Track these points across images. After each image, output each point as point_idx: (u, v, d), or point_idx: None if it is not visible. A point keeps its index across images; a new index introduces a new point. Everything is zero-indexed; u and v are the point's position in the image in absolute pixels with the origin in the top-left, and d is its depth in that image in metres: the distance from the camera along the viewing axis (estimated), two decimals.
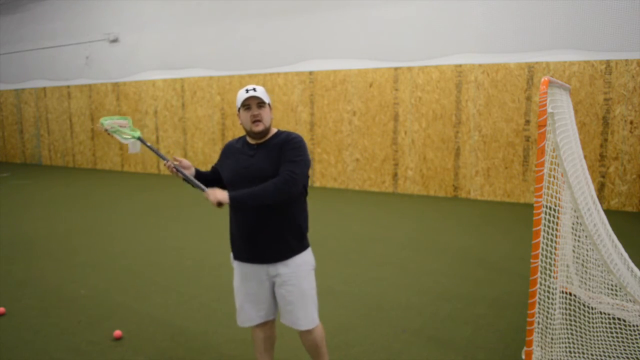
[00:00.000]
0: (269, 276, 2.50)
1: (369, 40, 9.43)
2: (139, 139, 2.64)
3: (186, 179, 2.50)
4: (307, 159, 2.45)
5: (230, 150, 2.60)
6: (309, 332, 2.56)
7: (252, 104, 2.42)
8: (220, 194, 2.31)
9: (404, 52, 9.10)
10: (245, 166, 2.45)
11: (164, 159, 2.54)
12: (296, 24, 10.20)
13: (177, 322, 3.80)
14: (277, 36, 10.45)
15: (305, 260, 2.52)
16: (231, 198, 2.30)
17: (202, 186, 2.45)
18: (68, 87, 14.09)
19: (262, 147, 2.47)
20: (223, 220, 7.80)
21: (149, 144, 2.62)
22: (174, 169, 2.50)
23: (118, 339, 3.50)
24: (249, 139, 2.54)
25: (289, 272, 2.46)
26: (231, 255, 2.63)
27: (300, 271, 2.49)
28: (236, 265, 2.59)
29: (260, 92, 2.44)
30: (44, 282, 4.70)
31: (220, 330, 3.65)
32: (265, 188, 2.31)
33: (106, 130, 2.66)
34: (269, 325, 2.66)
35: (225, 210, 2.57)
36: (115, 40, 12.91)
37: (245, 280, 2.54)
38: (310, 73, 10.11)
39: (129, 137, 2.66)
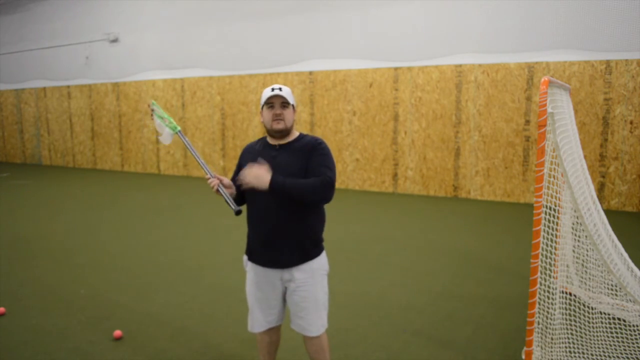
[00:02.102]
0: (283, 281, 2.47)
1: (369, 40, 9.43)
2: (178, 132, 2.58)
3: (226, 200, 2.43)
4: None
5: (250, 152, 2.53)
6: (317, 337, 2.53)
7: (276, 102, 2.40)
8: (263, 177, 2.24)
9: (404, 52, 9.10)
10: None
11: (208, 172, 2.43)
12: (296, 24, 10.20)
13: (177, 322, 3.80)
14: (277, 36, 10.46)
15: (320, 265, 2.50)
16: (274, 181, 2.23)
17: (235, 207, 2.40)
18: (68, 87, 14.09)
19: (284, 149, 2.43)
20: (223, 221, 7.72)
21: (200, 159, 2.53)
22: (217, 189, 2.42)
23: (118, 339, 3.50)
24: (269, 140, 2.49)
25: (304, 278, 2.43)
26: (244, 258, 2.60)
27: (315, 277, 2.46)
28: (250, 268, 2.55)
29: (286, 92, 2.41)
30: (44, 282, 4.70)
31: (220, 330, 3.65)
32: (308, 183, 2.28)
33: (152, 110, 2.62)
34: (274, 330, 2.64)
35: (228, 211, 2.54)
36: (115, 40, 12.91)
37: (258, 285, 2.51)
38: (310, 73, 10.11)
39: (167, 125, 2.59)
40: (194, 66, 11.75)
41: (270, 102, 2.40)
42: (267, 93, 2.41)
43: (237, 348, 3.38)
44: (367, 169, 9.70)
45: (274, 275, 2.46)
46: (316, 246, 2.49)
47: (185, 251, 5.74)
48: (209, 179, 2.42)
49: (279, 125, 2.40)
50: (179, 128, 2.57)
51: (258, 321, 2.56)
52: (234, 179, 2.57)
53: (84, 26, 13.44)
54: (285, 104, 2.41)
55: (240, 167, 2.56)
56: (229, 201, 2.41)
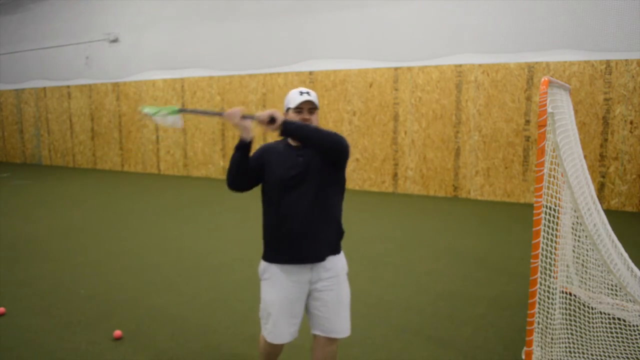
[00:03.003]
0: (310, 282, 2.40)
1: (369, 40, 9.43)
2: (180, 110, 2.53)
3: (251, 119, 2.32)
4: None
5: (273, 152, 2.44)
6: (335, 342, 2.47)
7: (305, 108, 2.37)
8: (276, 114, 2.20)
9: (404, 52, 9.10)
10: (293, 165, 2.34)
11: (218, 114, 2.35)
12: (296, 24, 10.20)
13: (177, 322, 3.80)
14: (277, 36, 10.45)
15: (344, 264, 2.50)
16: (285, 122, 2.22)
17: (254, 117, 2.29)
18: (68, 87, 14.09)
19: (306, 148, 2.38)
20: (223, 221, 7.70)
21: (195, 109, 2.48)
22: (241, 118, 2.29)
23: (118, 339, 3.50)
24: (291, 141, 2.42)
25: (332, 277, 2.40)
26: (262, 265, 2.47)
27: (341, 276, 2.45)
28: (271, 274, 2.42)
29: (314, 97, 2.39)
30: (44, 282, 4.70)
31: (220, 330, 3.65)
32: (319, 128, 2.28)
33: (146, 115, 2.61)
34: None
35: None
36: (115, 40, 12.91)
37: (283, 288, 2.39)
38: (310, 73, 10.11)
39: (167, 113, 2.54)
40: (194, 66, 11.75)
41: (299, 107, 2.37)
42: (296, 97, 2.37)
43: (237, 348, 3.38)
44: (367, 169, 9.70)
45: (301, 275, 2.38)
46: (339, 240, 2.49)
47: (185, 251, 5.74)
48: (223, 115, 2.33)
49: None
50: (176, 108, 2.53)
51: (282, 334, 2.43)
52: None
53: (84, 26, 13.44)
54: (312, 109, 2.38)
55: (261, 162, 2.44)
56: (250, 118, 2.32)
